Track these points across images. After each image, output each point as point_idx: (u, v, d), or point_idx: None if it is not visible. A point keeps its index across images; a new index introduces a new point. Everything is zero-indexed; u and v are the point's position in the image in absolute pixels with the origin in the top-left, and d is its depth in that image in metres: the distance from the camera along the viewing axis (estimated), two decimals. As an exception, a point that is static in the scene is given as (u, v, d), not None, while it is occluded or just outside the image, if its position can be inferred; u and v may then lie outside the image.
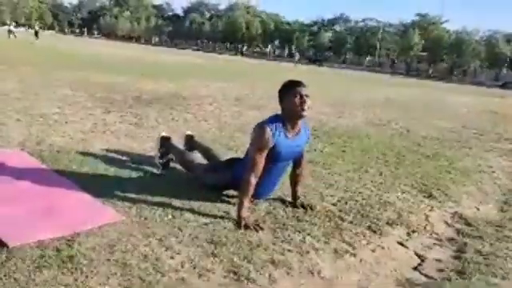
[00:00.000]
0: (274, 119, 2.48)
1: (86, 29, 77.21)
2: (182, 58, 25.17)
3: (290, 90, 2.43)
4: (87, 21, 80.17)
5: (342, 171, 3.64)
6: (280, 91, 2.50)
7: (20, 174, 2.72)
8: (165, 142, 3.22)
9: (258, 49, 62.81)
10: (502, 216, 2.94)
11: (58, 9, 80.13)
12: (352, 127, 6.03)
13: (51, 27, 75.44)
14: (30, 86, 6.78)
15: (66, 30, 77.72)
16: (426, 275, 2.03)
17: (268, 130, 2.41)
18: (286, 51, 59.08)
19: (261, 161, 2.41)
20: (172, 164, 3.21)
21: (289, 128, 2.48)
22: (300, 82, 2.46)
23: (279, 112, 2.52)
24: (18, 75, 7.96)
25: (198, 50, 57.57)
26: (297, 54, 50.17)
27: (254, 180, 2.40)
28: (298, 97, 2.39)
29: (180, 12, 78.98)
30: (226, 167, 2.76)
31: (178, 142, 3.37)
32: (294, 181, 2.76)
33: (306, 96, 2.40)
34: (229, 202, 2.63)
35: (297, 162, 2.73)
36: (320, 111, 7.05)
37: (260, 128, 2.44)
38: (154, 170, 3.12)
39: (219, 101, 7.43)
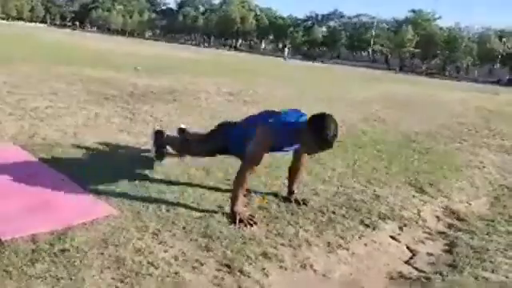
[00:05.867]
0: (281, 129, 2.36)
1: (78, 22, 76.43)
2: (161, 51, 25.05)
3: (323, 141, 2.21)
4: (79, 14, 79.35)
5: (336, 166, 3.65)
6: (315, 123, 2.26)
7: (12, 168, 2.70)
8: (158, 136, 3.19)
9: (251, 43, 62.69)
10: (493, 211, 2.97)
11: (49, 2, 79.17)
12: (346, 123, 6.04)
13: (43, 21, 74.54)
14: (21, 79, 6.71)
15: (58, 23, 76.77)
16: (417, 269, 2.05)
17: (271, 135, 2.37)
18: (280, 45, 58.93)
19: (261, 158, 2.40)
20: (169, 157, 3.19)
21: (292, 141, 2.44)
22: (331, 145, 2.25)
23: (292, 120, 2.41)
24: (8, 69, 7.87)
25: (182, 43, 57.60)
26: (286, 49, 49.23)
27: (249, 176, 2.40)
28: (323, 147, 2.26)
29: (173, 6, 78.51)
30: (218, 132, 2.82)
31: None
32: (292, 174, 2.76)
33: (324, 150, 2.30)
34: (222, 196, 2.63)
35: (297, 156, 2.71)
36: (315, 107, 7.05)
37: (265, 131, 2.38)
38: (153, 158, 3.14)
39: (213, 96, 7.41)
